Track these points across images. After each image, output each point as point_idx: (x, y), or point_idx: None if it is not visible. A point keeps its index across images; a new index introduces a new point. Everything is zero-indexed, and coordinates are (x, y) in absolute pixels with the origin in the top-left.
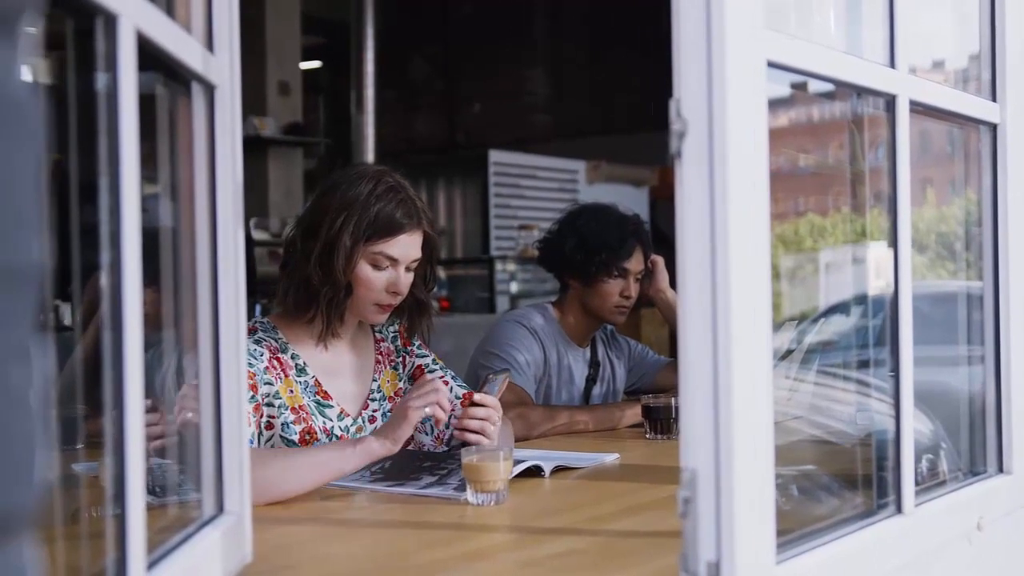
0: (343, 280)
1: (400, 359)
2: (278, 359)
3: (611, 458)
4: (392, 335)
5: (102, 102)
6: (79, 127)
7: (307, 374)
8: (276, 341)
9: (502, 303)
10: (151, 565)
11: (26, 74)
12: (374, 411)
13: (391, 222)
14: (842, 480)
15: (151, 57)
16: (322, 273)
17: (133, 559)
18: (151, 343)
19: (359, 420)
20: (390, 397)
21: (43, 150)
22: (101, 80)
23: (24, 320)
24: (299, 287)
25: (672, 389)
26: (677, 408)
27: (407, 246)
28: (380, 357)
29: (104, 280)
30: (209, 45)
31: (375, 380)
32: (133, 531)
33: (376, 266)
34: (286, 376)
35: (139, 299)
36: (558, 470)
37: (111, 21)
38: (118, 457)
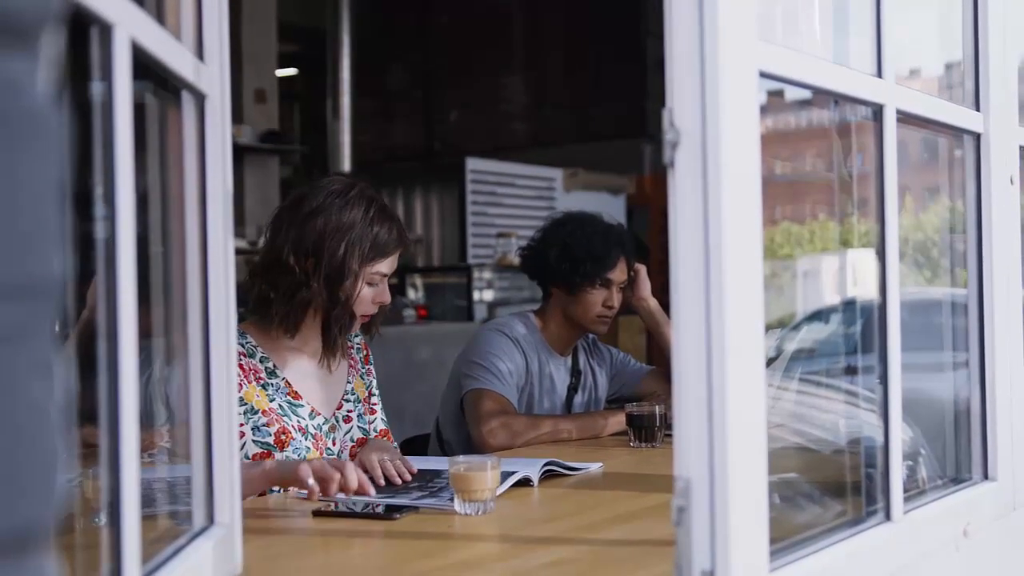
0: (352, 303)
1: (366, 370)
2: (241, 366)
3: (595, 467)
4: (357, 347)
5: (96, 111)
6: (71, 136)
7: (278, 376)
8: (243, 346)
9: (480, 311)
10: None
11: (46, 85)
12: (348, 411)
13: (388, 244)
14: (827, 488)
15: (142, 66)
16: (329, 298)
17: (128, 570)
18: (138, 352)
19: (332, 419)
20: (363, 400)
21: (63, 162)
22: (95, 89)
23: (45, 333)
24: (300, 308)
25: (654, 397)
26: (661, 416)
27: (395, 261)
28: (352, 362)
29: (99, 289)
30: (200, 54)
31: (349, 382)
32: (128, 543)
33: (370, 284)
34: (250, 382)
35: (133, 309)
36: (547, 477)
37: (106, 30)
38: (113, 468)
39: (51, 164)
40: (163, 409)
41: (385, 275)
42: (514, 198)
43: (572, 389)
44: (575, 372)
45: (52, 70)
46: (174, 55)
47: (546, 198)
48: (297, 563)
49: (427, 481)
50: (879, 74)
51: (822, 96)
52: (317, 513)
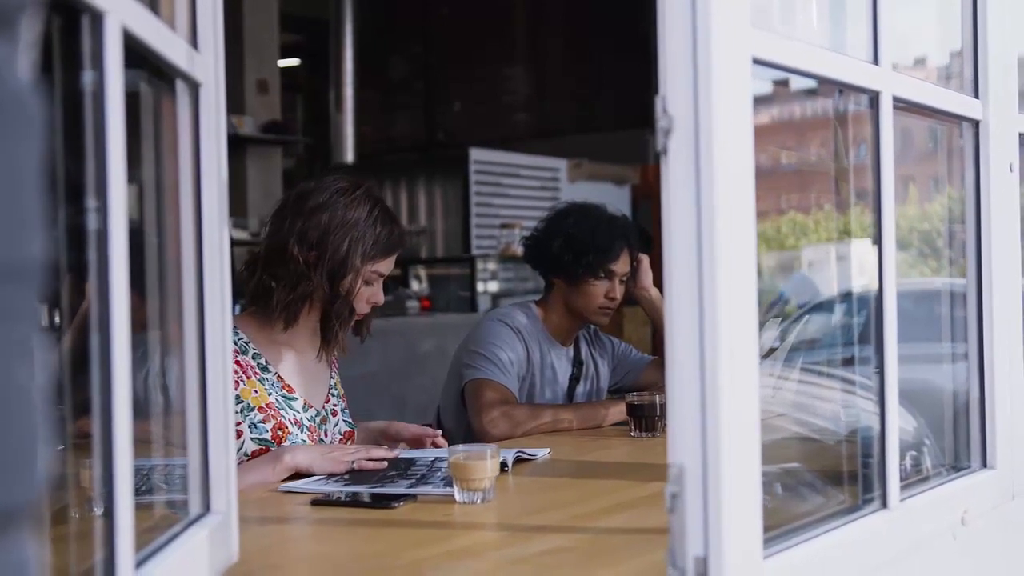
0: (352, 298)
1: (338, 368)
2: (237, 362)
3: (543, 452)
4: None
5: (87, 100)
6: (63, 125)
7: (270, 371)
8: (235, 343)
9: (483, 302)
10: (139, 564)
11: (26, 71)
12: (334, 405)
13: (389, 244)
14: (827, 476)
15: (135, 54)
16: (330, 292)
17: (121, 558)
18: (134, 344)
19: (323, 412)
20: (343, 395)
21: (43, 147)
22: (87, 78)
23: (27, 316)
24: (300, 300)
25: (656, 387)
26: (662, 406)
27: (392, 262)
28: (334, 360)
29: (91, 280)
30: (194, 43)
31: (332, 378)
32: (121, 530)
33: (367, 283)
34: (248, 378)
35: (126, 300)
36: (518, 462)
37: (97, 18)
38: (106, 457)
39: (31, 149)
40: (165, 401)
41: (382, 275)
42: (518, 189)
43: (574, 379)
44: (577, 362)
45: (31, 56)
46: (167, 43)
47: (550, 189)
48: (294, 551)
49: (405, 469)
50: (875, 61)
51: (828, 85)
52: (315, 502)
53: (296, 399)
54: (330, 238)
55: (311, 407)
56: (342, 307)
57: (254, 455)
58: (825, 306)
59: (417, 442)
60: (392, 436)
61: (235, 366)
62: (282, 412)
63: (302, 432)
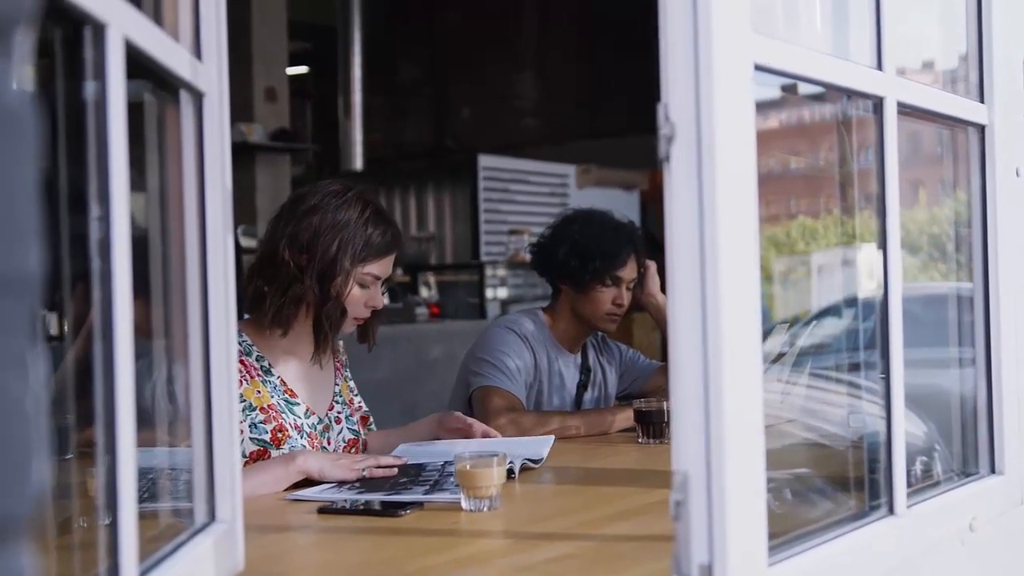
0: (342, 300)
1: (348, 372)
2: (241, 362)
3: (548, 441)
4: (341, 350)
5: (90, 110)
6: (66, 135)
7: (273, 375)
8: (240, 345)
9: (492, 309)
10: (143, 573)
11: (21, 83)
12: (338, 413)
13: (382, 245)
14: (835, 482)
15: (139, 65)
16: (320, 294)
17: (126, 567)
18: (140, 353)
19: (326, 419)
20: (348, 402)
21: (38, 159)
22: (89, 88)
23: (22, 328)
24: (292, 303)
25: (663, 393)
26: (669, 412)
27: (390, 265)
28: (338, 366)
29: (94, 289)
30: (197, 53)
31: (336, 384)
32: (125, 539)
33: (362, 285)
34: (252, 378)
35: (129, 309)
36: (524, 469)
37: (99, 30)
38: (110, 466)
39: (26, 162)
40: (173, 411)
41: (377, 277)
42: (527, 195)
43: (582, 386)
44: (585, 369)
45: (27, 68)
46: (170, 54)
47: (559, 195)
48: (300, 560)
49: (416, 476)
50: (879, 66)
51: (832, 90)
52: (321, 510)
53: (298, 404)
54: (320, 239)
55: (313, 414)
56: (333, 309)
57: (252, 456)
58: (834, 311)
59: (466, 432)
60: (451, 426)
61: (239, 366)
62: (283, 415)
63: (302, 437)
